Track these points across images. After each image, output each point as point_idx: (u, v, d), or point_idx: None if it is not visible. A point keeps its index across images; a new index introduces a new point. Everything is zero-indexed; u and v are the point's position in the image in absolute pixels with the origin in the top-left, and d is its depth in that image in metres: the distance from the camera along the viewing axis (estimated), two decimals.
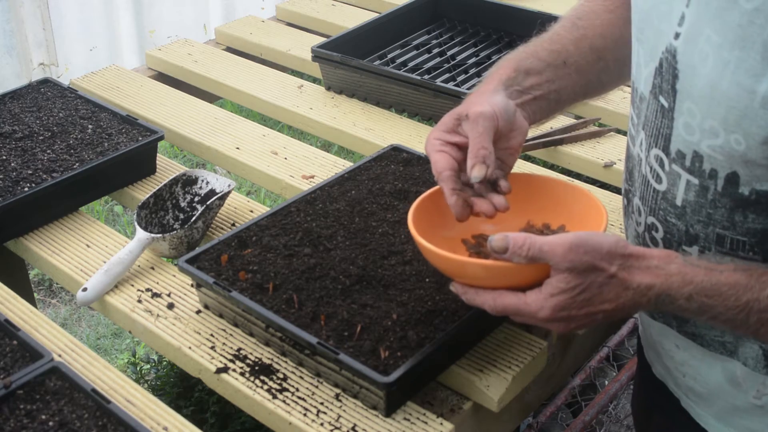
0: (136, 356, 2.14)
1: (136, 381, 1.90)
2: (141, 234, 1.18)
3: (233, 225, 1.29)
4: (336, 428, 0.93)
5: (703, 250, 0.84)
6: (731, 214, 0.81)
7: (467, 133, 0.92)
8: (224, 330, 1.07)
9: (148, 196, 1.25)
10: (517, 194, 1.00)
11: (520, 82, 0.97)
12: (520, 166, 1.44)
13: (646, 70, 0.86)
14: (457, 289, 0.89)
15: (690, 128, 0.80)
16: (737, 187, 0.79)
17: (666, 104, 0.82)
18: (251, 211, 1.32)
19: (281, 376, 1.00)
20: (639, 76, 0.88)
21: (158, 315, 1.10)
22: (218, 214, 1.30)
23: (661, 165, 0.86)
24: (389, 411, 0.94)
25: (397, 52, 1.80)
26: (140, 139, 1.39)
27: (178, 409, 1.72)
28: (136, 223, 1.20)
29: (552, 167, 1.56)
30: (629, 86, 0.95)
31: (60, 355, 1.03)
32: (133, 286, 1.16)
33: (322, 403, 0.96)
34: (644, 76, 0.86)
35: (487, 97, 0.94)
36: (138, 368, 2.07)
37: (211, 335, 1.06)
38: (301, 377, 1.00)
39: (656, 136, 0.85)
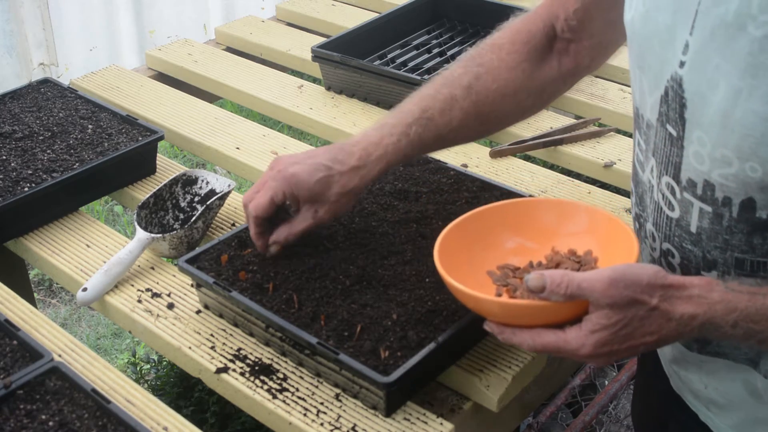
0: (136, 356, 2.14)
1: (136, 381, 1.90)
2: (141, 234, 1.18)
3: (233, 225, 1.29)
4: (336, 428, 0.93)
5: (722, 274, 0.83)
6: (749, 238, 0.79)
7: (294, 202, 1.03)
8: (224, 330, 1.07)
9: (148, 196, 1.25)
10: (542, 222, 0.99)
11: (387, 157, 1.02)
12: (520, 166, 1.44)
13: (651, 98, 0.84)
14: (492, 328, 0.87)
15: (700, 157, 0.78)
16: (754, 212, 0.77)
17: (674, 133, 0.81)
18: None
19: (281, 376, 1.00)
20: (644, 103, 0.86)
21: (158, 315, 1.10)
22: (218, 214, 1.30)
23: (673, 193, 0.84)
24: (389, 411, 0.94)
25: (397, 52, 1.80)
26: (140, 139, 1.39)
27: (178, 409, 1.72)
28: (136, 223, 1.20)
29: (552, 167, 1.56)
30: (629, 86, 0.95)
31: (60, 355, 1.03)
32: (133, 286, 1.16)
33: (322, 403, 0.96)
34: (650, 104, 0.84)
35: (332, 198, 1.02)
36: (138, 368, 2.07)
37: (211, 335, 1.06)
38: (301, 377, 1.00)
39: (666, 164, 0.84)
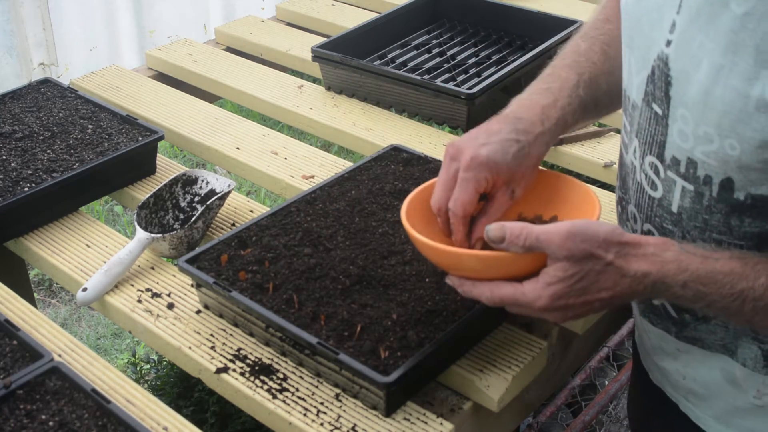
0: (136, 356, 2.14)
1: (136, 381, 1.90)
2: (141, 234, 1.18)
3: (233, 225, 1.29)
4: (336, 428, 0.93)
5: (679, 240, 0.84)
6: (727, 219, 0.81)
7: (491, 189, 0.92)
8: (224, 330, 1.07)
9: (148, 196, 1.25)
10: None
11: (565, 118, 0.95)
12: None
13: (638, 77, 0.85)
14: (453, 281, 0.89)
15: (684, 135, 0.80)
16: (732, 192, 0.79)
17: (660, 111, 0.82)
18: (251, 211, 1.32)
19: (281, 376, 1.00)
20: (630, 84, 0.88)
21: (158, 315, 1.10)
22: (218, 214, 1.30)
23: (656, 172, 0.85)
24: (389, 411, 0.94)
25: (397, 52, 1.80)
26: (140, 139, 1.39)
27: (178, 409, 1.72)
28: (136, 223, 1.20)
29: (552, 167, 1.56)
30: None
31: (60, 355, 1.03)
32: (133, 286, 1.16)
33: (322, 403, 0.96)
34: (636, 84, 0.86)
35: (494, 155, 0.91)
36: (138, 368, 2.07)
37: (211, 335, 1.06)
38: (301, 377, 1.00)
39: (650, 144, 0.85)
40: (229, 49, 1.97)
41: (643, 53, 0.83)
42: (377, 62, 1.72)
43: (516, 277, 0.84)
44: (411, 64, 1.74)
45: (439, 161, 1.29)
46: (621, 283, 0.80)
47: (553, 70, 0.99)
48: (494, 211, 0.94)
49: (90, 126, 1.43)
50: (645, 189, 0.88)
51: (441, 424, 0.93)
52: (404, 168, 1.28)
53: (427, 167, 1.27)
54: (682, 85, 0.78)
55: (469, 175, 0.90)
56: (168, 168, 1.45)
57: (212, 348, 1.04)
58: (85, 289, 1.12)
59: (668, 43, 0.79)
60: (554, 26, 1.71)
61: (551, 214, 0.98)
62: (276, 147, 1.49)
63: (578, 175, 1.51)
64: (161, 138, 1.40)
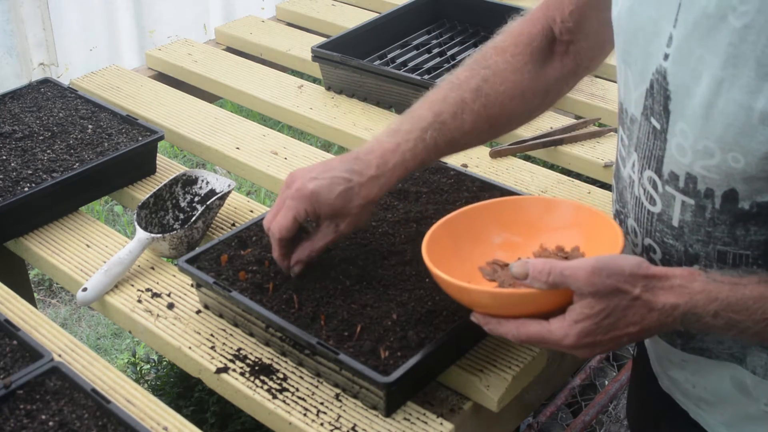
0: (136, 356, 2.14)
1: (136, 381, 1.90)
2: (141, 234, 1.18)
3: (233, 225, 1.29)
4: (336, 428, 0.93)
5: (705, 268, 0.83)
6: (732, 229, 0.80)
7: (315, 219, 1.00)
8: (224, 330, 1.07)
9: (148, 196, 1.25)
10: (528, 218, 0.99)
11: (405, 163, 1.00)
12: (520, 166, 1.44)
13: (636, 92, 0.85)
14: (478, 319, 0.87)
15: (682, 150, 0.79)
16: (736, 202, 0.78)
17: (658, 126, 0.81)
18: (251, 211, 1.32)
19: (281, 376, 1.00)
20: (628, 98, 0.87)
21: (158, 315, 1.10)
22: (218, 214, 1.30)
23: (655, 187, 0.85)
24: (389, 411, 0.94)
25: (397, 52, 1.80)
26: (140, 139, 1.39)
27: (178, 409, 1.72)
28: (136, 223, 1.20)
29: (552, 167, 1.56)
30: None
31: (60, 355, 1.03)
32: (133, 286, 1.16)
33: (322, 403, 0.96)
34: (634, 98, 0.85)
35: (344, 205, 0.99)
36: (138, 368, 2.07)
37: (211, 335, 1.06)
38: (301, 377, 1.00)
39: (649, 158, 0.84)
40: (229, 49, 1.97)
41: (641, 67, 0.82)
42: (377, 62, 1.72)
43: (542, 313, 0.82)
44: (411, 64, 1.74)
45: (440, 161, 1.29)
46: (649, 318, 0.78)
47: (419, 104, 1.04)
48: (317, 239, 1.02)
49: (90, 126, 1.43)
50: (644, 203, 0.87)
51: (441, 424, 0.93)
52: None
53: (427, 167, 1.27)
54: (681, 99, 0.77)
55: (291, 204, 0.98)
56: (168, 168, 1.45)
57: (212, 348, 1.04)
58: (85, 289, 1.12)
59: (666, 56, 0.78)
60: None
61: (573, 245, 0.96)
62: (276, 147, 1.49)
63: (578, 176, 1.51)
64: (161, 138, 1.40)
